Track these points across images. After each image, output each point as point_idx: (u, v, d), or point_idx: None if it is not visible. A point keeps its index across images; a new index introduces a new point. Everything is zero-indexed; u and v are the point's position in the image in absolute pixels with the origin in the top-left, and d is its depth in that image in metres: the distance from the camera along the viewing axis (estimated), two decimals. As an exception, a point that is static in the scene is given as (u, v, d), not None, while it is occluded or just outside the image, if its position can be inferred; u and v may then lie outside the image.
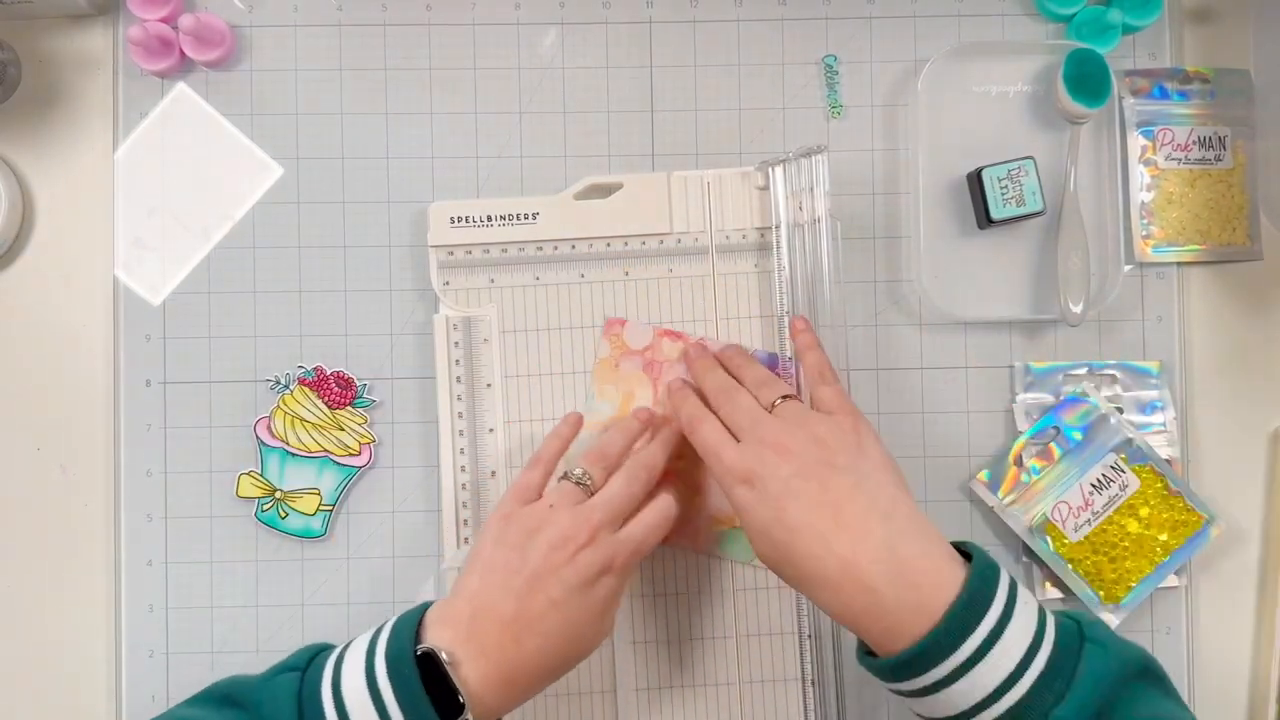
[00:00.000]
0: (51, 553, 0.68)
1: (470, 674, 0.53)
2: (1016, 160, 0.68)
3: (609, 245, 0.68)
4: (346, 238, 0.69)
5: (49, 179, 0.69)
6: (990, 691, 0.50)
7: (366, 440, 0.68)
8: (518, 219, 0.68)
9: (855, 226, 0.70)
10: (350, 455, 0.68)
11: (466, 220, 0.68)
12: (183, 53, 0.68)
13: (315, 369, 0.69)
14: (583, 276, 0.68)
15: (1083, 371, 0.70)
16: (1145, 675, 0.52)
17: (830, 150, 0.67)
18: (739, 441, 0.58)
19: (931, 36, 0.71)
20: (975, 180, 0.69)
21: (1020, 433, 0.69)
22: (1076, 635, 0.52)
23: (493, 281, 0.68)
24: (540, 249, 0.68)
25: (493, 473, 0.67)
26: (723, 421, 0.60)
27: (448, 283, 0.68)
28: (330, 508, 0.68)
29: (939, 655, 0.50)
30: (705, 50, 0.71)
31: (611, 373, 0.68)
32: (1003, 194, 0.68)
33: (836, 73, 0.71)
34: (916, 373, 0.70)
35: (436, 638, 0.54)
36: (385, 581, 0.68)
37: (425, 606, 0.56)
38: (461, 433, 0.67)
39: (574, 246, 0.68)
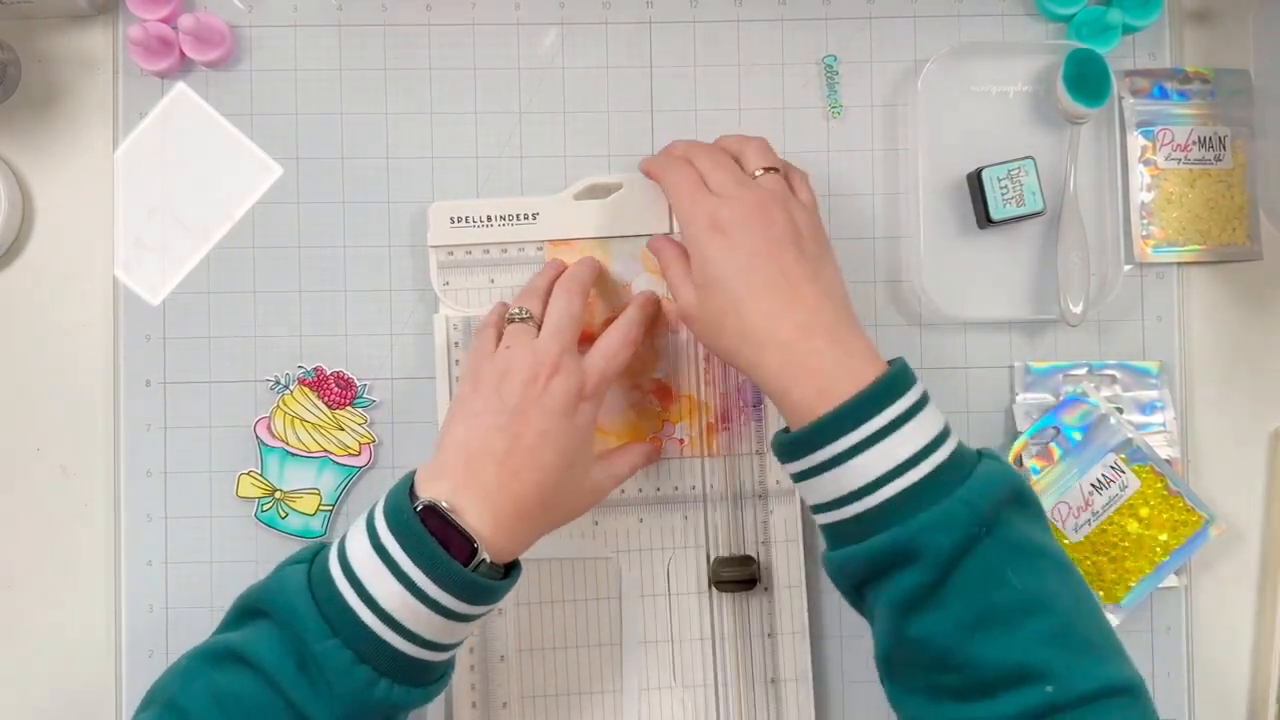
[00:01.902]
0: (51, 553, 0.68)
1: (475, 518, 0.53)
2: (1016, 160, 0.68)
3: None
4: (346, 238, 0.69)
5: (49, 179, 0.69)
6: (877, 476, 0.51)
7: (366, 440, 0.68)
8: (518, 219, 0.68)
9: (855, 226, 0.70)
10: (350, 455, 0.68)
11: (466, 220, 0.68)
12: (183, 53, 0.68)
13: (315, 369, 0.69)
14: None
15: (1083, 372, 0.70)
16: (1021, 499, 0.53)
17: (830, 150, 0.67)
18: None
19: (931, 36, 0.71)
20: (975, 180, 0.69)
21: (1020, 433, 0.69)
22: (975, 455, 0.53)
23: (493, 281, 0.68)
24: (540, 249, 0.68)
25: None
26: (703, 177, 0.60)
27: (448, 283, 0.68)
28: (330, 508, 0.68)
29: (849, 425, 0.52)
30: (705, 50, 0.71)
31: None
32: (1003, 194, 0.68)
33: (836, 73, 0.71)
34: (916, 373, 0.70)
35: (432, 491, 0.54)
36: (385, 581, 0.68)
37: (413, 473, 0.56)
38: None
39: (574, 246, 0.68)
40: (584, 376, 0.58)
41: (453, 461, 0.55)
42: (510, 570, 0.56)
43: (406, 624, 0.51)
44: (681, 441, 0.67)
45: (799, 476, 0.55)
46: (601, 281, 0.67)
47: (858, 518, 0.52)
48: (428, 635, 0.52)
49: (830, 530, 0.55)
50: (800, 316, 0.55)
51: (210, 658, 0.52)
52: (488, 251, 0.68)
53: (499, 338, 0.61)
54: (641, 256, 0.67)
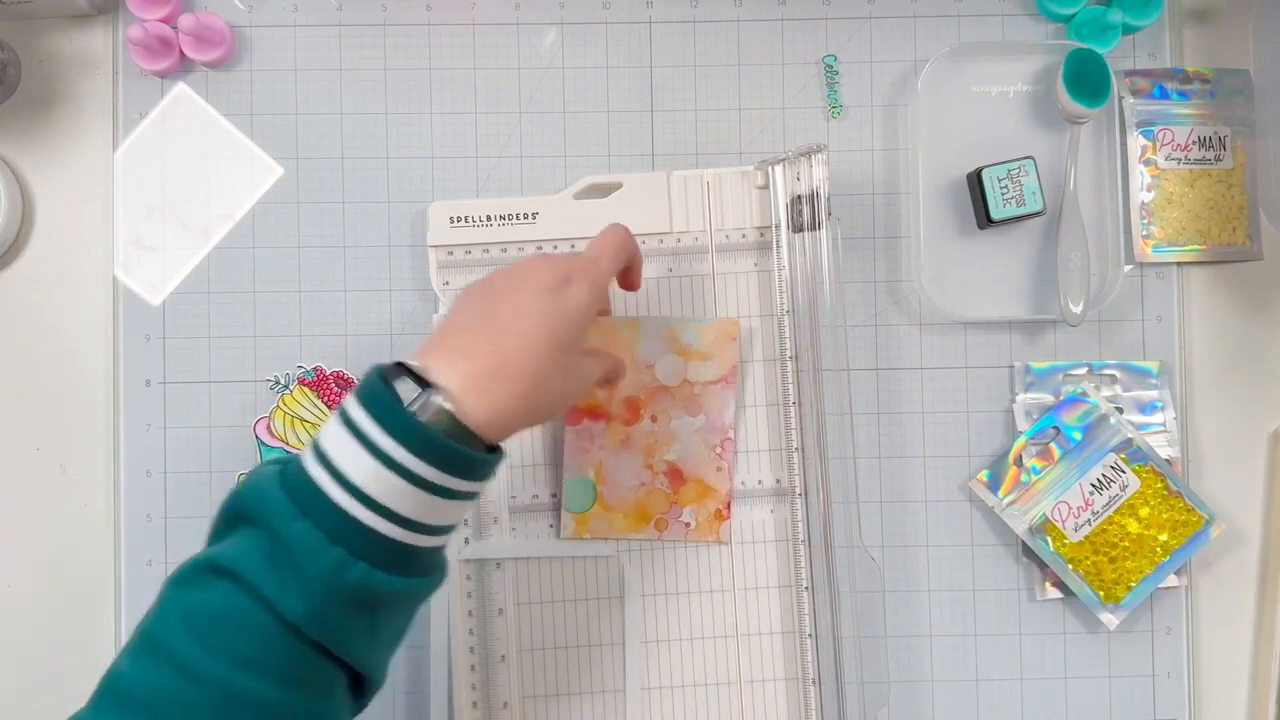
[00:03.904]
0: (51, 553, 0.68)
1: (447, 377, 0.50)
2: (1016, 160, 0.68)
3: None
4: (346, 238, 0.69)
5: (49, 179, 0.69)
6: None
7: (366, 440, 0.68)
8: (517, 219, 0.68)
9: (855, 226, 0.70)
10: (350, 455, 0.68)
11: (466, 220, 0.68)
12: (183, 53, 0.68)
13: (315, 369, 0.69)
14: None
15: (1083, 371, 0.70)
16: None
17: (830, 150, 0.67)
18: None
19: (931, 36, 0.71)
20: (975, 180, 0.69)
21: (1020, 433, 0.69)
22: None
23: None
24: (540, 249, 0.68)
25: None
26: None
27: (448, 283, 0.68)
28: (330, 508, 0.68)
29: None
30: (705, 50, 0.71)
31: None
32: (1003, 194, 0.68)
33: (836, 73, 0.71)
34: (916, 373, 0.70)
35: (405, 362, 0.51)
36: (385, 581, 0.68)
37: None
38: None
39: (574, 246, 0.68)
40: (572, 262, 0.56)
41: (431, 340, 0.53)
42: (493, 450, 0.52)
43: (380, 499, 0.47)
44: (688, 525, 0.67)
45: None
46: (627, 356, 0.67)
47: None
48: (405, 512, 0.48)
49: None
50: None
51: (182, 579, 0.49)
52: (487, 251, 0.68)
53: None
54: (667, 338, 0.67)
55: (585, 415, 0.67)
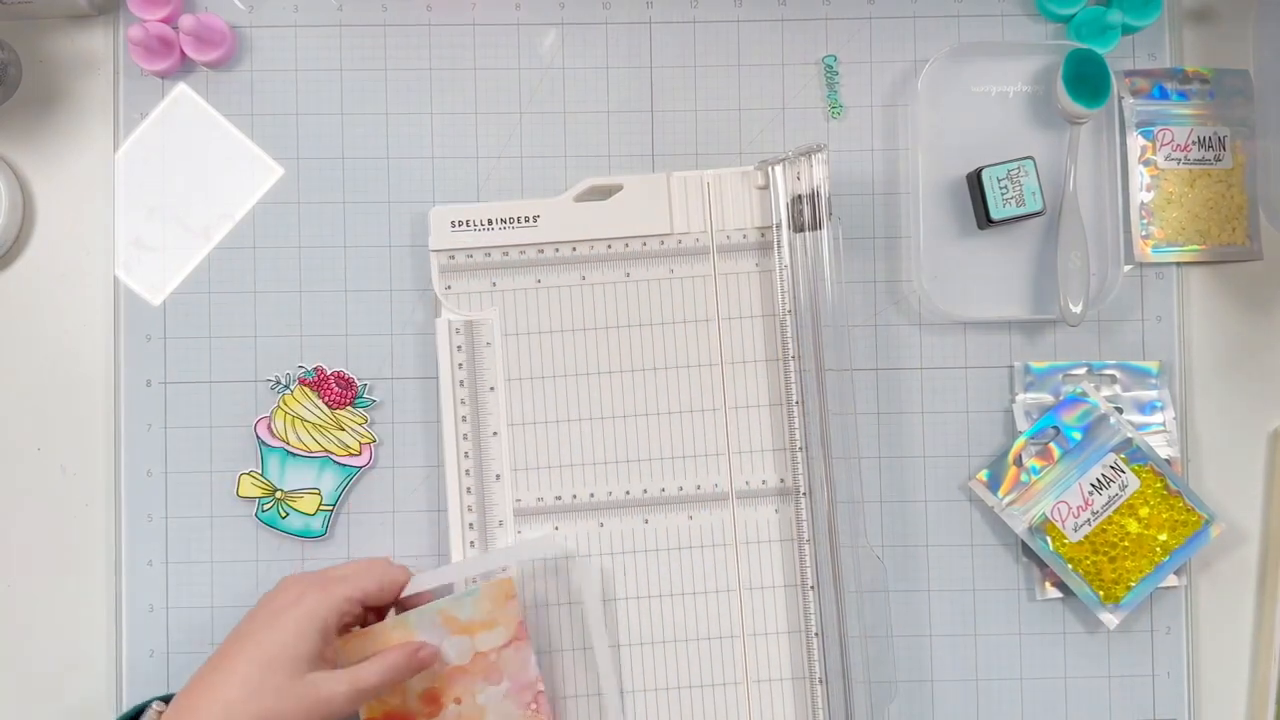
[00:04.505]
0: (51, 553, 0.68)
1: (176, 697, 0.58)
2: (1016, 160, 0.68)
3: (610, 247, 0.68)
4: (346, 238, 0.69)
5: (49, 179, 0.69)
6: None
7: (367, 440, 0.68)
8: (518, 222, 0.68)
9: (855, 226, 0.70)
10: (350, 455, 0.68)
11: (467, 224, 0.68)
12: (183, 53, 0.68)
13: (315, 369, 0.69)
14: (584, 279, 0.68)
15: (1082, 371, 0.70)
16: None
17: (830, 150, 0.67)
18: None
19: (931, 36, 0.71)
20: (975, 180, 0.69)
21: (1020, 433, 0.69)
22: None
23: (494, 285, 0.68)
24: (541, 251, 0.68)
25: (497, 476, 0.67)
26: None
27: (449, 286, 0.68)
28: (330, 508, 0.68)
29: None
30: (705, 50, 0.71)
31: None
32: (1003, 194, 0.68)
33: (836, 73, 0.71)
34: (916, 373, 0.70)
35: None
36: (385, 581, 0.68)
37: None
38: (465, 436, 0.67)
39: (575, 249, 0.68)
40: (311, 576, 0.61)
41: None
42: None
43: None
44: None
45: None
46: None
47: None
48: None
49: None
50: None
51: None
52: (489, 255, 0.68)
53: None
54: (443, 622, 0.62)
55: None
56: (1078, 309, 0.68)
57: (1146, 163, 0.71)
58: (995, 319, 0.70)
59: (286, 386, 0.69)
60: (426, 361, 0.69)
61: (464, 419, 0.67)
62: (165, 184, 0.69)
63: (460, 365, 0.68)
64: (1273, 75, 0.70)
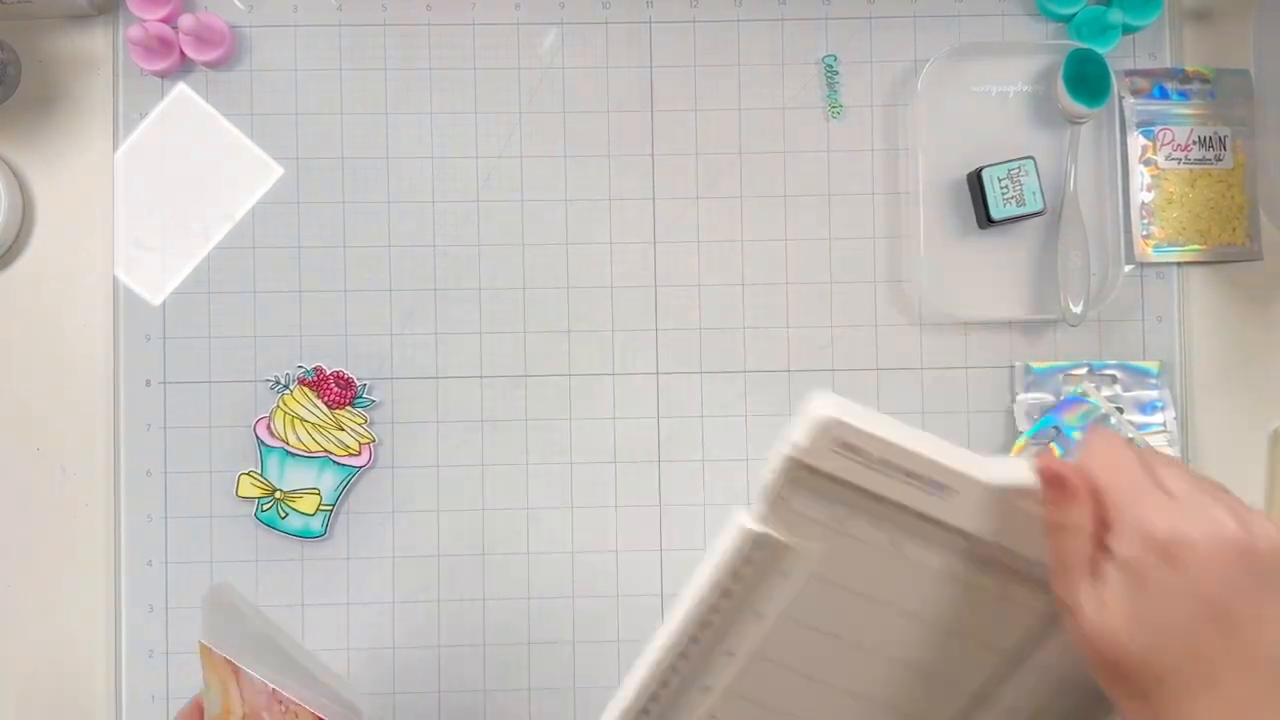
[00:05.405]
0: (51, 553, 0.68)
1: None
2: (1016, 160, 0.68)
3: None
4: (346, 238, 0.69)
5: (49, 179, 0.69)
6: None
7: (366, 440, 0.68)
8: (923, 483, 0.43)
9: (855, 226, 0.70)
10: (350, 455, 0.68)
11: (856, 452, 0.42)
12: (183, 53, 0.68)
13: (315, 369, 0.69)
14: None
15: (1083, 371, 0.70)
16: None
17: (830, 150, 0.67)
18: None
19: (931, 36, 0.71)
20: (975, 180, 0.69)
21: (1020, 433, 0.69)
22: None
23: (840, 524, 0.44)
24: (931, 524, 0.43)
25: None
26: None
27: (782, 495, 0.43)
28: (330, 508, 0.68)
29: None
30: (705, 50, 0.71)
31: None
32: (1003, 194, 0.68)
33: (836, 73, 0.71)
34: (916, 373, 0.70)
35: None
36: (385, 581, 0.68)
37: None
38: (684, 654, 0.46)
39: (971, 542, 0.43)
40: None
41: None
42: None
43: None
44: None
45: None
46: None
47: None
48: None
49: None
50: None
51: None
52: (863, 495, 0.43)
53: None
54: None
55: None
56: (1078, 309, 0.68)
57: (1147, 162, 0.71)
58: (995, 319, 0.70)
59: (286, 386, 0.69)
60: (427, 362, 0.69)
61: (694, 639, 0.46)
62: (165, 184, 0.69)
63: (736, 576, 0.45)
64: (1273, 75, 0.70)
